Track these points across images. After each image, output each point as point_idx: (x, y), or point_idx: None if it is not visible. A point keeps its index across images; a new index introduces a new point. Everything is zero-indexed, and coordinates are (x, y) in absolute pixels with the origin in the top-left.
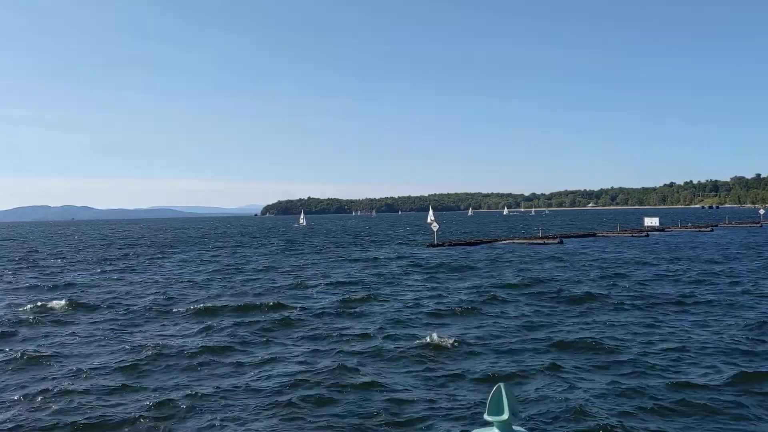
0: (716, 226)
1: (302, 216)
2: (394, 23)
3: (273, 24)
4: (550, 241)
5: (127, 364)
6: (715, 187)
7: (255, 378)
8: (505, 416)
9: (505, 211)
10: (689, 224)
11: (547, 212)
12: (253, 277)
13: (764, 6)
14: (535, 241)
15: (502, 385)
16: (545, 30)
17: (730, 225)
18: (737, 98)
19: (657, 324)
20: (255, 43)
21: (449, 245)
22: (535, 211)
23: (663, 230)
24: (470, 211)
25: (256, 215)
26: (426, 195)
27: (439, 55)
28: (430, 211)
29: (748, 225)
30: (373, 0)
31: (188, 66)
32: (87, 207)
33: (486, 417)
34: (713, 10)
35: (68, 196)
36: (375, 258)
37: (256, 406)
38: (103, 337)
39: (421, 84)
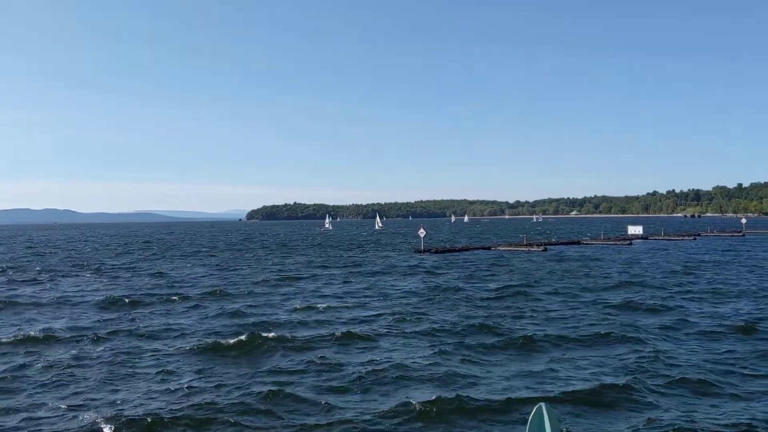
0: (698, 235)
1: (327, 220)
2: (381, 28)
3: (255, 25)
4: (535, 248)
5: None
6: (697, 196)
7: None
8: None
9: (466, 218)
10: (672, 233)
11: (540, 219)
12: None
13: (754, 22)
14: (521, 248)
15: (543, 405)
16: (532, 36)
17: (712, 234)
18: (720, 108)
19: None
20: (237, 45)
21: (436, 252)
22: (535, 218)
23: (647, 238)
24: (453, 218)
25: (240, 220)
26: (413, 201)
27: (424, 63)
28: (377, 218)
29: (731, 234)
30: (359, 3)
31: (171, 69)
32: (69, 210)
33: None
34: (701, 20)
35: (50, 199)
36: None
37: None
38: None
39: (409, 90)
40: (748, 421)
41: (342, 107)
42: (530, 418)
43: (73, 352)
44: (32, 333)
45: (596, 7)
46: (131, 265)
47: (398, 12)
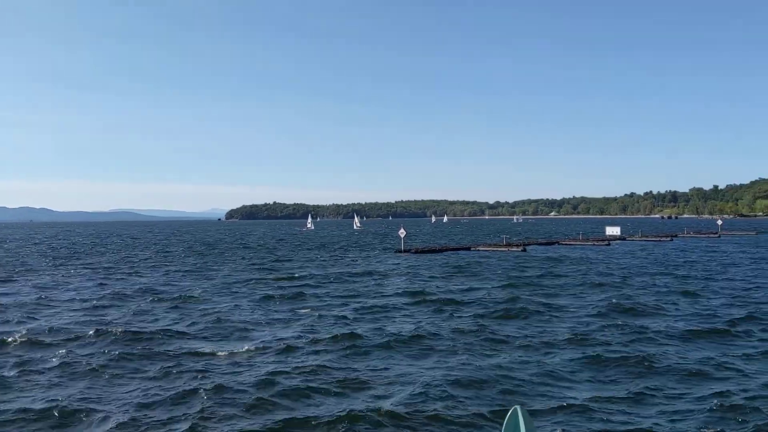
0: (675, 236)
1: (309, 220)
2: (381, 28)
3: (255, 25)
4: (514, 249)
5: None
6: (674, 197)
7: None
8: None
9: (445, 218)
10: (650, 234)
11: (520, 219)
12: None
13: (726, 22)
14: (500, 248)
15: (518, 408)
16: (510, 40)
17: (689, 235)
18: (697, 111)
19: None
20: (237, 45)
21: (416, 252)
22: (515, 218)
23: (624, 239)
24: (433, 218)
25: (219, 220)
26: (393, 201)
27: (408, 65)
28: (356, 218)
29: (707, 235)
30: (359, 3)
31: (152, 67)
32: (46, 209)
33: None
34: (675, 25)
35: (27, 197)
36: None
37: None
38: None
39: (389, 90)
40: (733, 423)
41: (341, 107)
42: (505, 421)
43: (51, 354)
44: (8, 335)
45: (597, 7)
46: (109, 266)
47: (398, 12)
